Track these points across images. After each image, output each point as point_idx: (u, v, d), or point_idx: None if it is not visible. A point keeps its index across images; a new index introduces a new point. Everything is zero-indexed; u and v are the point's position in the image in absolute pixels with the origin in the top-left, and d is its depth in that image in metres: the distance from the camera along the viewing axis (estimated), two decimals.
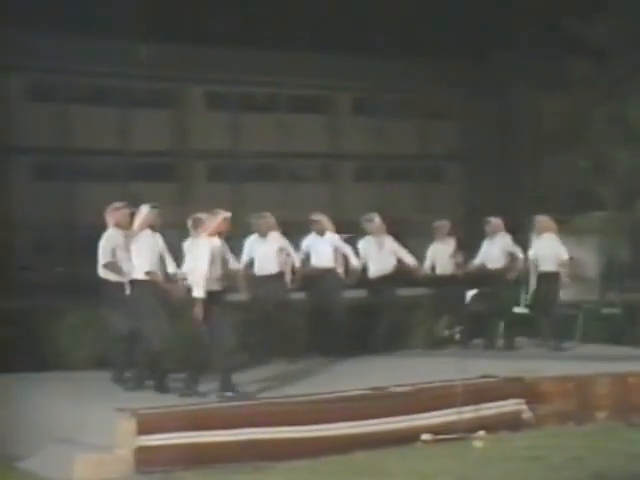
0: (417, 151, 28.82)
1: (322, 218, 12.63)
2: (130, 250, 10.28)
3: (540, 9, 20.64)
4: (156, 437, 8.72)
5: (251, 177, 27.46)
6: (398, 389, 10.17)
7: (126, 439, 8.66)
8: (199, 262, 9.71)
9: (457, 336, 13.18)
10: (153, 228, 10.31)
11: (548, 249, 12.87)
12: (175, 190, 26.29)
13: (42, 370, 10.99)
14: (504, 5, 23.56)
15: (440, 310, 13.43)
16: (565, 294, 13.61)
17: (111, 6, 24.96)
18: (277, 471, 8.82)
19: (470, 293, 13.46)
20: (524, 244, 14.07)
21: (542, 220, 13.02)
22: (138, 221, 10.27)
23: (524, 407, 10.48)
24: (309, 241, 12.55)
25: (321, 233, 12.51)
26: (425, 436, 9.73)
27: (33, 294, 15.84)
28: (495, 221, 13.20)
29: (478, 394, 10.21)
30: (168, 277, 10.31)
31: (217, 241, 9.86)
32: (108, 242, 10.58)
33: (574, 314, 13.95)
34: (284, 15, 27.45)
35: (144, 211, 10.31)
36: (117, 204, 10.76)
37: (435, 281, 13.30)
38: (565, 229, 13.95)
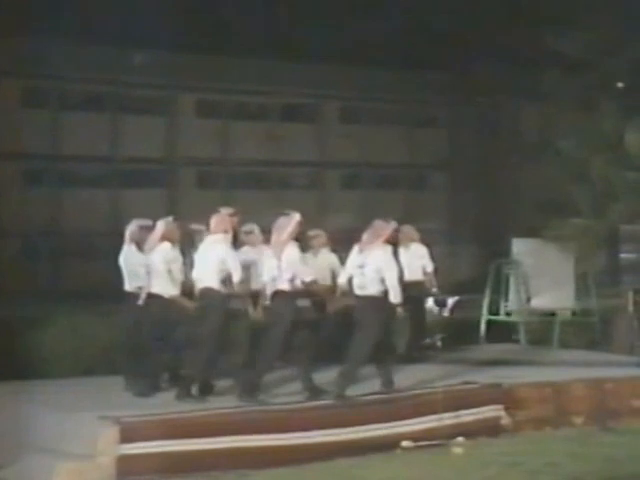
0: (404, 159, 28.94)
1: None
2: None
3: (521, 21, 20.82)
4: (138, 445, 8.72)
5: (240, 184, 27.54)
6: (378, 396, 10.24)
7: (108, 447, 8.66)
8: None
9: (438, 343, 13.28)
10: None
11: (414, 259, 12.21)
12: (165, 197, 26.34)
13: (25, 378, 10.84)
14: (488, 17, 23.73)
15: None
16: (542, 301, 13.77)
17: (103, 13, 25.00)
18: (259, 479, 8.88)
19: (451, 300, 13.59)
20: (508, 252, 14.25)
21: (406, 230, 12.27)
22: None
23: (502, 413, 10.57)
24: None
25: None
26: (405, 443, 9.80)
27: (16, 302, 15.82)
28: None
29: (457, 400, 10.28)
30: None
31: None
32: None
33: (551, 321, 14.09)
34: (274, 25, 27.55)
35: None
36: (228, 210, 10.52)
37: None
38: (543, 236, 14.10)
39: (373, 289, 10.12)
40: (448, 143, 28.43)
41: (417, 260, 12.28)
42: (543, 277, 14.08)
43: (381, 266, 10.07)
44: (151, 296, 10.36)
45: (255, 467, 9.03)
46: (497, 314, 14.11)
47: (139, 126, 26.97)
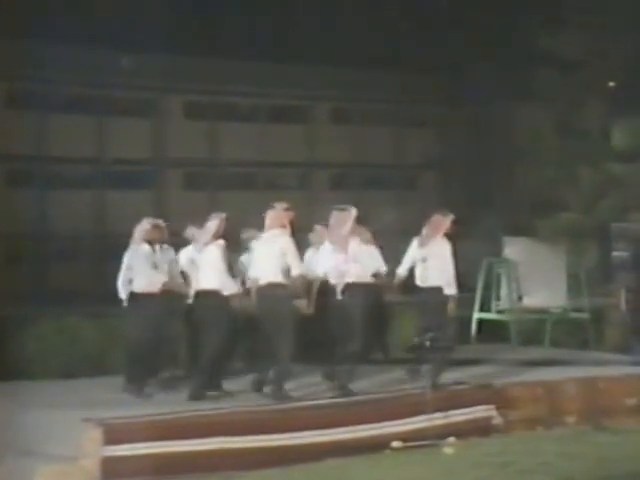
0: (394, 160, 28.93)
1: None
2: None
3: (511, 22, 20.82)
4: (123, 447, 8.61)
5: (228, 186, 27.46)
6: (368, 396, 10.17)
7: (92, 449, 8.56)
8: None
9: (427, 343, 13.17)
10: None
11: (368, 261, 11.64)
12: (152, 198, 26.23)
13: (9, 379, 10.80)
14: (477, 17, 23.73)
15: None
16: (534, 300, 13.71)
17: (90, 14, 24.88)
18: None
19: None
20: (499, 250, 14.18)
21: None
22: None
23: (494, 413, 10.49)
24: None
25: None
26: (395, 443, 9.72)
27: (1, 303, 15.69)
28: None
29: (448, 401, 10.21)
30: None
31: None
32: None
33: (542, 320, 14.05)
34: (264, 26, 27.49)
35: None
36: (283, 205, 10.37)
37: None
38: (534, 234, 14.07)
39: (435, 281, 10.58)
40: (438, 143, 28.44)
41: (371, 262, 12.03)
42: (535, 275, 14.07)
43: (442, 258, 10.53)
44: (204, 293, 10.15)
45: (242, 468, 8.92)
46: (489, 312, 14.07)
47: (126, 128, 26.89)
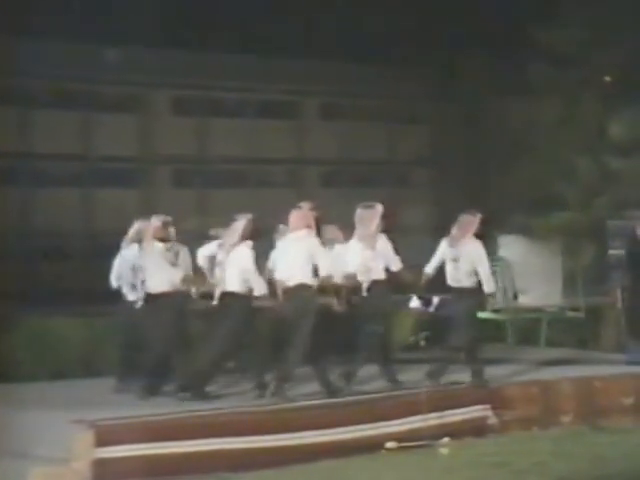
0: (385, 156, 28.84)
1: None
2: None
3: (506, 15, 20.77)
4: (114, 449, 8.55)
5: (217, 183, 27.35)
6: (363, 397, 10.10)
7: (83, 451, 8.49)
8: None
9: (422, 342, 13.16)
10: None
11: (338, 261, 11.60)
12: (140, 196, 26.09)
13: None
14: (471, 11, 23.66)
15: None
16: (529, 298, 13.68)
17: (75, 8, 24.74)
18: None
19: (436, 299, 13.44)
20: (492, 248, 14.08)
21: (330, 230, 11.52)
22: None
23: (489, 413, 10.43)
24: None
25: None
26: (390, 444, 9.65)
27: None
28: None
29: (444, 401, 10.15)
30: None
31: None
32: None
33: (538, 318, 14.01)
34: (252, 20, 27.38)
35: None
36: (308, 204, 10.40)
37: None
38: (529, 232, 14.02)
39: (467, 281, 10.66)
40: (431, 139, 28.37)
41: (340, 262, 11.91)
42: (530, 274, 14.04)
43: (474, 258, 10.63)
44: (231, 295, 9.99)
45: (236, 469, 8.84)
46: (484, 311, 14.02)
47: (113, 124, 26.74)
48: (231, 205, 21.29)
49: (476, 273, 10.65)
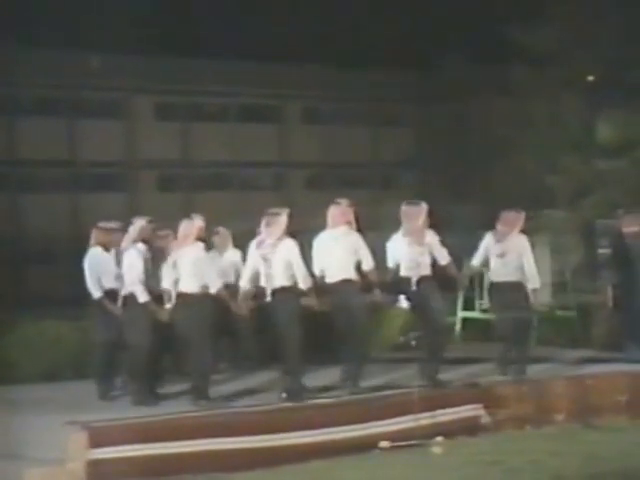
0: (369, 159, 28.92)
1: None
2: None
3: (487, 17, 20.87)
4: (108, 450, 8.56)
5: (202, 186, 27.32)
6: (355, 396, 10.05)
7: (77, 453, 8.50)
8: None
9: (413, 342, 13.09)
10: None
11: (229, 266, 11.63)
12: (125, 200, 26.04)
13: None
14: (454, 14, 23.80)
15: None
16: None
17: (60, 16, 24.72)
18: None
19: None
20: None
21: (222, 232, 11.81)
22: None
23: (482, 412, 10.42)
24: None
25: None
26: (383, 443, 9.64)
27: None
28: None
29: (436, 400, 10.12)
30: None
31: None
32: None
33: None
34: (234, 26, 27.42)
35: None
36: (346, 201, 10.37)
37: None
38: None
39: (512, 276, 10.92)
40: (415, 141, 28.49)
41: (230, 267, 11.67)
42: None
43: (521, 254, 10.93)
44: (281, 290, 9.87)
45: (229, 470, 8.82)
46: (472, 311, 14.01)
47: (98, 130, 26.76)
48: (216, 208, 21.34)
49: (521, 268, 10.92)
